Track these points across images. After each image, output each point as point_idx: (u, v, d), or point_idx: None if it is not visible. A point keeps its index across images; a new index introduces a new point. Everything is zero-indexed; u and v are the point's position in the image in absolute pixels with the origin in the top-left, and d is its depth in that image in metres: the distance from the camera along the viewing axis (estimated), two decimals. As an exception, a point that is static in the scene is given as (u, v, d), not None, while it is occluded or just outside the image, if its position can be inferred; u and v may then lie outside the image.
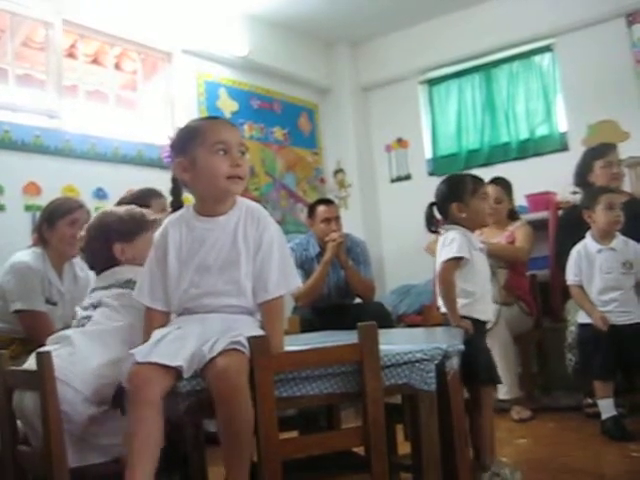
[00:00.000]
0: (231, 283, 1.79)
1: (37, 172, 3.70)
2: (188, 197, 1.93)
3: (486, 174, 2.75)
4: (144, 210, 2.28)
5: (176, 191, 1.95)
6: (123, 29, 4.34)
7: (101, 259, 2.17)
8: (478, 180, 2.65)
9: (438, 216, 2.67)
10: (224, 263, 1.80)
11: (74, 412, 1.81)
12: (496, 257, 3.77)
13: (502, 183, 4.08)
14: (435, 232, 2.67)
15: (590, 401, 3.47)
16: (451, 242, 2.51)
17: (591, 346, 3.25)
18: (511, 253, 3.97)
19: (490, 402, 2.52)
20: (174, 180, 1.94)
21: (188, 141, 1.83)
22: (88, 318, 2.03)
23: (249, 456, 1.60)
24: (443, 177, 2.76)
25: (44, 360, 1.74)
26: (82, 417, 1.82)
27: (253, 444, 1.61)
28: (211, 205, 1.84)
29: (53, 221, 3.02)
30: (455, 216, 2.59)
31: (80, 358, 1.88)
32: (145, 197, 3.02)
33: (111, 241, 2.14)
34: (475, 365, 2.32)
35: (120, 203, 2.86)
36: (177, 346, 1.66)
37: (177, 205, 1.94)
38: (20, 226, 3.54)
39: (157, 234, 1.89)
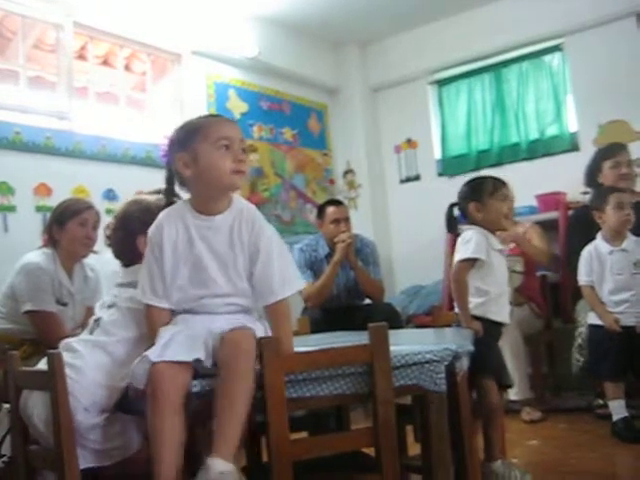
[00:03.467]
0: (228, 283, 1.80)
1: (48, 173, 3.71)
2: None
3: (496, 174, 2.73)
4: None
5: (169, 191, 1.94)
6: (133, 31, 4.35)
7: (125, 251, 2.11)
8: (499, 182, 2.64)
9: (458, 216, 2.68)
10: (220, 263, 1.81)
11: (75, 422, 1.79)
12: (527, 255, 3.90)
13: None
14: (455, 232, 2.68)
15: (601, 402, 3.46)
16: (468, 241, 2.51)
17: (602, 347, 3.24)
18: (540, 254, 4.00)
19: (496, 402, 2.50)
20: (168, 180, 1.92)
21: (190, 137, 1.83)
22: (98, 322, 2.02)
23: (241, 422, 1.59)
24: (452, 178, 2.76)
25: (55, 360, 1.74)
26: (81, 425, 1.81)
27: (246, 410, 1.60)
28: (210, 202, 1.84)
29: (63, 222, 3.03)
30: (473, 216, 2.59)
31: (83, 367, 1.87)
32: None
33: (135, 233, 2.07)
34: (483, 361, 2.30)
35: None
36: (190, 342, 1.68)
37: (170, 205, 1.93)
38: (31, 227, 3.55)
39: (152, 229, 1.87)
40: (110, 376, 1.88)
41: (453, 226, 2.68)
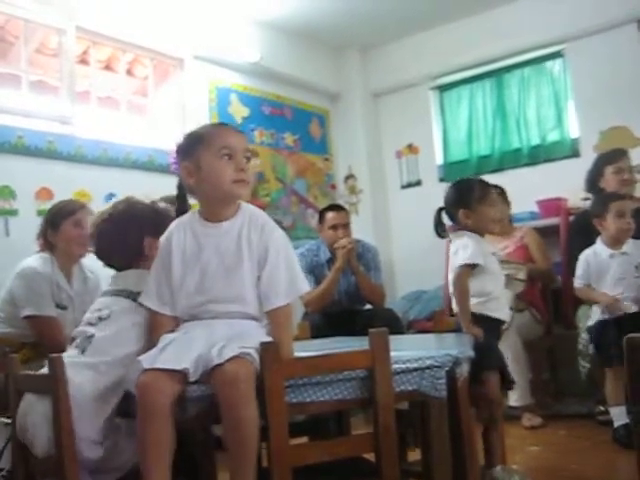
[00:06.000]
0: (235, 290, 1.79)
1: (49, 177, 3.72)
2: (196, 204, 1.94)
3: (497, 180, 2.73)
4: (166, 205, 2.16)
5: (181, 197, 1.96)
6: (135, 35, 4.36)
7: (124, 253, 2.03)
8: (486, 185, 2.63)
9: (447, 221, 2.68)
10: (228, 269, 1.80)
11: (80, 457, 1.75)
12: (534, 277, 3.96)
13: (497, 191, 4.08)
14: (444, 237, 2.67)
15: (602, 408, 3.45)
16: (465, 248, 2.51)
17: (611, 335, 3.14)
18: (546, 274, 4.12)
19: (498, 396, 2.49)
20: (180, 187, 1.95)
21: (194, 145, 1.85)
22: (90, 339, 1.91)
23: (254, 463, 1.61)
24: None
25: (56, 364, 1.74)
26: (89, 459, 1.79)
27: (257, 451, 1.62)
28: (216, 209, 1.85)
29: (57, 224, 3.03)
30: (462, 222, 2.59)
31: (79, 400, 1.77)
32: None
33: (143, 234, 2.03)
34: (487, 357, 2.31)
35: None
36: (183, 350, 1.67)
37: (182, 211, 1.95)
38: (32, 231, 3.51)
39: (162, 238, 1.90)
40: (106, 400, 1.83)
41: (441, 231, 2.66)
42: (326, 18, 5.14)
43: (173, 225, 1.90)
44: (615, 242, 3.29)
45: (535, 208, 4.67)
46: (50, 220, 3.06)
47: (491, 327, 2.49)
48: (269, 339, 1.72)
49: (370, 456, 1.75)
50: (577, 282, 3.36)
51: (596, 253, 3.32)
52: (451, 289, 2.58)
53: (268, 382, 1.59)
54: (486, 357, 2.30)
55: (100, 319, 1.95)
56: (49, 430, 1.78)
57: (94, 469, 1.81)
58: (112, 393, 1.84)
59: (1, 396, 2.14)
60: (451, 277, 2.57)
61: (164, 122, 4.57)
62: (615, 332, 3.11)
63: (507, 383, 2.52)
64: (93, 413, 1.81)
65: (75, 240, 3.04)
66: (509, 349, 3.50)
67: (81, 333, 1.97)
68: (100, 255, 2.12)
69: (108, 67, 4.56)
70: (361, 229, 4.79)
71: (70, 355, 1.90)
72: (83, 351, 1.91)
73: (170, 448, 1.63)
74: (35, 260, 3.00)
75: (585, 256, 3.34)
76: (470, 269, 2.51)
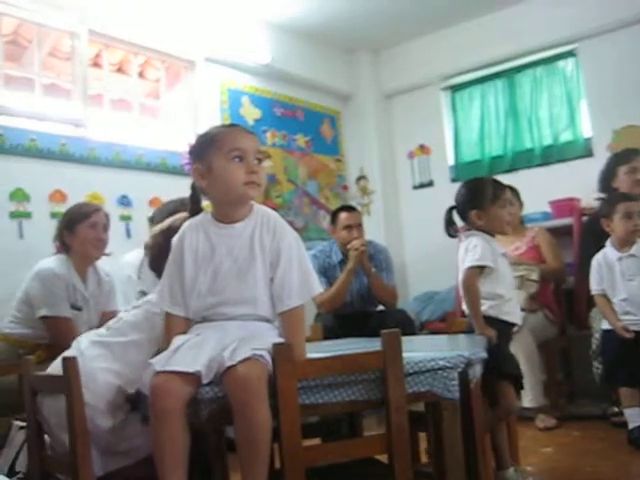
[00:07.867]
0: (247, 291, 1.80)
1: (63, 180, 3.74)
2: (209, 205, 1.95)
3: (509, 181, 2.71)
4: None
5: (195, 198, 1.96)
6: (147, 38, 4.37)
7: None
8: (499, 186, 2.61)
9: (458, 220, 2.66)
10: (240, 271, 1.80)
11: (94, 427, 1.81)
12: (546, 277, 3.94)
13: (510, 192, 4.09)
14: (454, 237, 2.66)
15: (616, 410, 3.43)
16: (474, 249, 2.49)
17: (616, 353, 3.20)
18: (557, 274, 4.09)
19: (514, 405, 2.48)
20: (193, 187, 1.95)
21: (205, 148, 1.85)
22: (119, 322, 2.06)
23: (266, 464, 1.61)
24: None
25: (70, 364, 1.75)
26: (102, 430, 1.83)
27: (269, 453, 1.62)
28: (228, 211, 1.85)
29: (73, 226, 3.07)
30: (474, 223, 2.57)
31: (92, 372, 1.87)
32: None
33: None
34: (499, 366, 2.30)
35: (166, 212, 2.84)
36: (195, 352, 1.68)
37: (196, 212, 1.95)
38: (46, 233, 3.56)
39: (175, 239, 1.90)
40: (119, 376, 1.91)
41: (452, 231, 2.65)
42: (337, 19, 5.14)
43: (186, 226, 1.90)
44: (623, 244, 3.26)
45: (548, 208, 4.65)
46: (66, 222, 3.10)
47: (503, 330, 2.48)
48: (281, 340, 1.72)
49: (383, 457, 1.75)
50: (594, 289, 3.33)
51: (605, 256, 3.30)
52: (461, 290, 2.56)
53: (280, 383, 1.59)
54: (499, 367, 2.30)
55: (133, 307, 2.09)
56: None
57: (104, 448, 1.84)
58: (126, 370, 1.90)
59: (16, 397, 2.15)
60: (460, 278, 2.55)
61: (176, 124, 4.59)
62: (620, 351, 3.13)
63: (518, 388, 2.52)
64: (103, 387, 1.87)
65: (91, 242, 3.08)
66: (522, 350, 3.49)
67: (117, 319, 2.10)
68: (151, 265, 2.20)
69: (120, 70, 4.58)
70: (373, 230, 4.78)
71: (98, 333, 2.07)
72: (108, 329, 2.05)
73: (185, 450, 1.63)
74: (52, 262, 3.03)
75: (597, 261, 3.32)
76: (478, 271, 2.49)
